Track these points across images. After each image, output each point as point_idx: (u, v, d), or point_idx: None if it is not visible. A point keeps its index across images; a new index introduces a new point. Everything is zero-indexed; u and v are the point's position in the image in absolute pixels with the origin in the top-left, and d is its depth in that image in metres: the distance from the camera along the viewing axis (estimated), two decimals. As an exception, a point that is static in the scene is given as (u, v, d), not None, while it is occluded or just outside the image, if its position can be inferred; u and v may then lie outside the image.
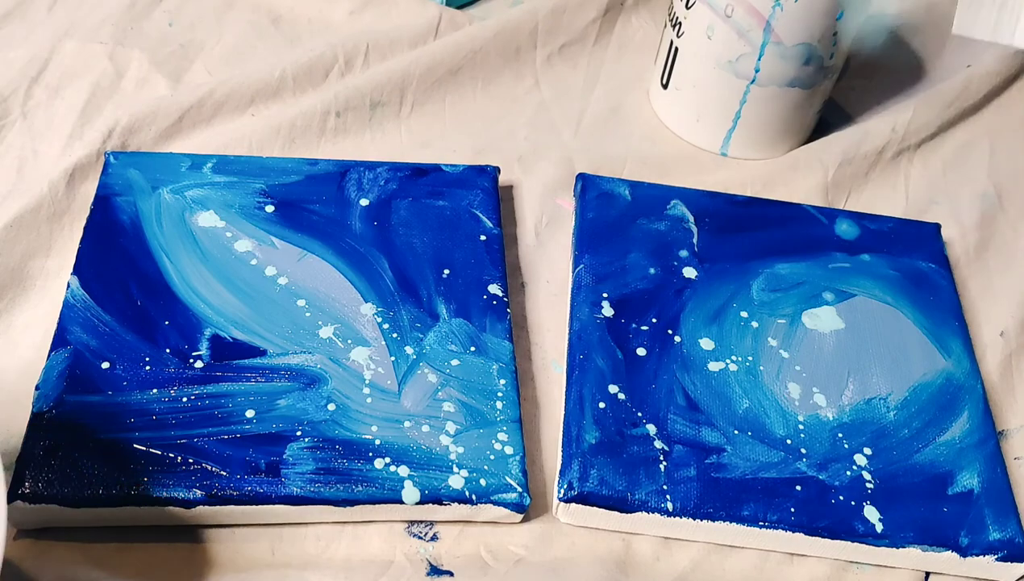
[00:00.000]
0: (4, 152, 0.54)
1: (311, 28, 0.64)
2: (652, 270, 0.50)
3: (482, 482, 0.41)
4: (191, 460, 0.40)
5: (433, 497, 0.40)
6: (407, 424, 0.42)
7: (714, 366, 0.46)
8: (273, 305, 0.46)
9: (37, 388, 0.42)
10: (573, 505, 0.42)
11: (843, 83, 0.64)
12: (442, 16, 0.63)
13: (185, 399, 0.42)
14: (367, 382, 0.44)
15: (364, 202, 0.51)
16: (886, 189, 0.59)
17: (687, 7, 0.55)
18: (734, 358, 0.47)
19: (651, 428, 0.44)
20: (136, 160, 0.51)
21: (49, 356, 0.43)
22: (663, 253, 0.51)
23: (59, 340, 0.43)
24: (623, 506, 0.41)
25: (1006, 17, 0.44)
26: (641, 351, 0.46)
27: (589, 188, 0.53)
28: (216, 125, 0.56)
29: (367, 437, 0.42)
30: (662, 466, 0.42)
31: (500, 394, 0.44)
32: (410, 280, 0.48)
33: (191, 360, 0.43)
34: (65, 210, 0.50)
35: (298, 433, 0.41)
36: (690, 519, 0.41)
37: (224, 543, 0.40)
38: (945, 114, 0.63)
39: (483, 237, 0.50)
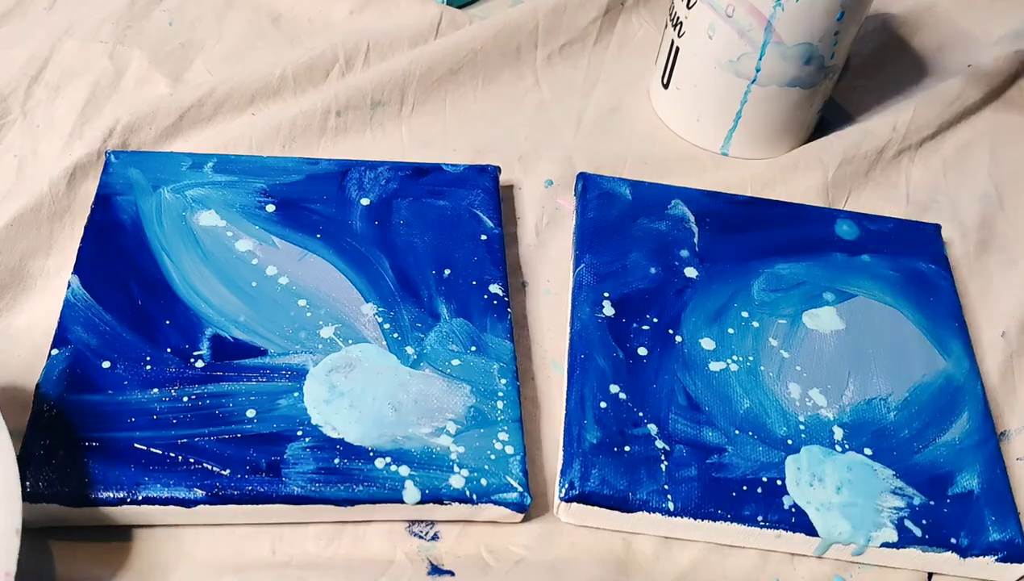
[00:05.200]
0: (4, 151, 0.54)
1: (311, 27, 0.64)
2: (653, 270, 0.50)
3: (483, 482, 0.41)
4: (192, 459, 0.40)
5: (434, 497, 0.40)
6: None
7: (715, 366, 0.46)
8: (274, 305, 0.46)
9: (38, 387, 0.42)
10: (574, 505, 0.42)
11: (844, 83, 0.64)
12: (443, 15, 0.63)
13: (186, 399, 0.42)
14: (368, 382, 0.44)
15: (365, 202, 0.51)
16: (886, 189, 0.59)
17: (688, 7, 0.55)
18: (735, 358, 0.47)
19: (652, 428, 0.44)
20: (137, 159, 0.51)
21: (50, 355, 0.43)
22: (664, 253, 0.51)
23: (60, 339, 0.43)
24: (624, 506, 0.41)
25: None
26: (642, 351, 0.46)
27: (590, 187, 0.53)
28: (216, 124, 0.56)
29: (368, 437, 0.42)
30: (663, 466, 0.42)
31: (501, 394, 0.44)
32: (411, 280, 0.48)
33: (192, 360, 0.43)
34: (66, 209, 0.50)
35: (299, 433, 0.41)
36: (691, 519, 0.41)
37: (225, 542, 0.40)
38: (946, 114, 0.63)
39: (484, 237, 0.50)
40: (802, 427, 0.45)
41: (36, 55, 0.59)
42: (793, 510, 0.42)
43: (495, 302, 0.48)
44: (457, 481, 0.41)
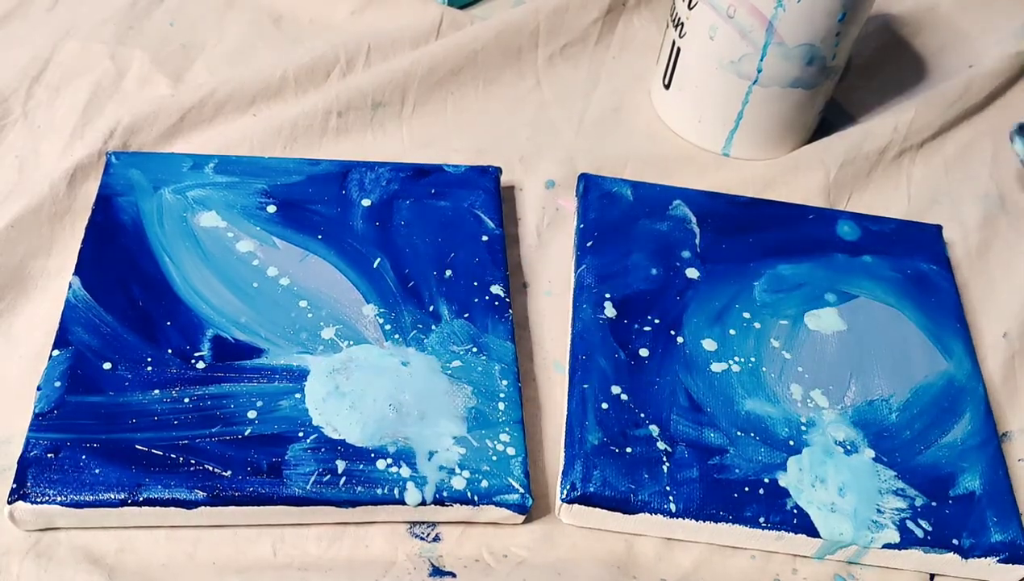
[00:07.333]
0: (5, 152, 0.54)
1: (312, 28, 0.64)
2: (654, 271, 0.50)
3: (484, 483, 0.41)
4: (193, 461, 0.40)
5: (435, 498, 0.40)
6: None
7: (717, 367, 0.46)
8: (275, 306, 0.46)
9: (39, 388, 0.42)
10: (576, 506, 0.42)
11: (845, 83, 0.64)
12: (444, 16, 0.63)
13: (187, 400, 0.42)
14: (369, 383, 0.44)
15: (366, 202, 0.51)
16: (888, 190, 0.59)
17: (689, 7, 0.55)
18: (737, 359, 0.47)
19: (654, 429, 0.44)
20: (138, 160, 0.51)
21: (51, 356, 0.43)
22: (665, 254, 0.51)
23: (61, 340, 0.43)
24: (626, 507, 0.41)
25: None
26: (644, 352, 0.46)
27: (591, 188, 0.53)
28: (218, 125, 0.56)
29: (369, 438, 0.42)
30: (665, 467, 0.42)
31: (502, 395, 0.44)
32: (412, 281, 0.48)
33: (193, 361, 0.43)
34: (66, 210, 0.50)
35: (300, 434, 0.41)
36: (693, 520, 0.41)
37: (226, 544, 0.40)
38: (947, 114, 0.63)
39: (485, 237, 0.50)
40: (804, 428, 0.45)
41: (37, 56, 0.59)
42: (795, 511, 0.42)
43: (496, 303, 0.48)
44: (458, 482, 0.41)
